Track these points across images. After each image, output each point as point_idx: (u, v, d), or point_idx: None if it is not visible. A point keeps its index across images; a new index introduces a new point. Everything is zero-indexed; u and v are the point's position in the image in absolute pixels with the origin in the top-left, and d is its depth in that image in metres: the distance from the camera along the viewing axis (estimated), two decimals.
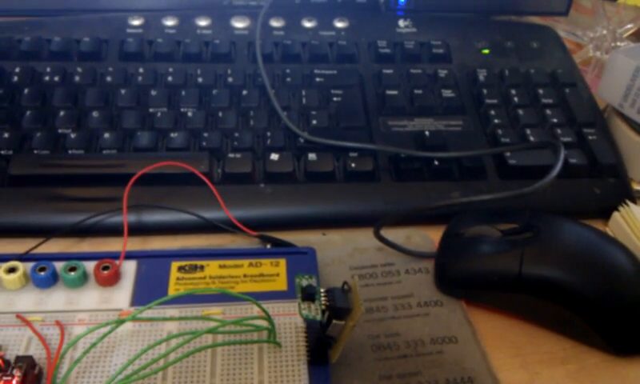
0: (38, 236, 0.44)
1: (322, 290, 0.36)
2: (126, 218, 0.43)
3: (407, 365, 0.39)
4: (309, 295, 0.36)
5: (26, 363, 0.33)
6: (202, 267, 0.42)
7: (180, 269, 0.42)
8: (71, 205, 0.46)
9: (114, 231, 0.45)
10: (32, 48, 0.56)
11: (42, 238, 0.44)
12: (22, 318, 0.38)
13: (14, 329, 0.37)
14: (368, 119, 0.54)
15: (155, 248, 0.45)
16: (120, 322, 0.35)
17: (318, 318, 0.35)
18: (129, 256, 0.42)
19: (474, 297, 0.43)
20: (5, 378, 0.32)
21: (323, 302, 0.35)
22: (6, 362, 0.33)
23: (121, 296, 0.40)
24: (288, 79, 0.56)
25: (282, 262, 0.42)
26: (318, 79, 0.56)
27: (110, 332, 0.36)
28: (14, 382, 0.32)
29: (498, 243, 0.42)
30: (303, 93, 0.55)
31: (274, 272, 0.42)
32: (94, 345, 0.35)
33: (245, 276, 0.42)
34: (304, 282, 0.37)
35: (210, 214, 0.46)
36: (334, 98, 0.55)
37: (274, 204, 0.48)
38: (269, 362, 0.36)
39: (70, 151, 0.49)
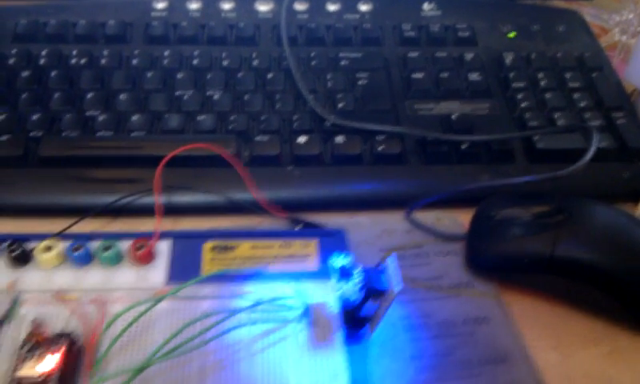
0: (70, 216, 0.44)
1: (356, 271, 0.36)
2: (159, 199, 0.43)
3: (440, 345, 0.39)
4: (344, 275, 0.36)
5: (68, 340, 0.33)
6: (233, 248, 0.42)
7: (213, 249, 0.42)
8: (101, 186, 0.46)
9: (145, 212, 0.45)
10: (58, 31, 0.57)
11: (75, 218, 0.44)
12: (60, 296, 0.38)
13: (52, 306, 0.38)
14: (394, 102, 0.54)
15: (186, 228, 0.45)
16: (158, 299, 0.36)
17: (354, 298, 0.35)
18: (162, 236, 0.42)
19: (505, 278, 0.43)
20: (48, 355, 0.32)
21: (358, 283, 0.35)
22: (48, 339, 0.33)
23: (156, 274, 0.40)
24: (313, 62, 0.56)
25: (313, 242, 0.43)
26: (343, 62, 0.56)
27: (147, 310, 0.36)
28: (57, 358, 0.32)
29: (530, 225, 0.42)
30: (328, 76, 0.55)
31: (306, 253, 0.42)
32: (132, 322, 0.35)
33: (276, 256, 0.42)
34: (339, 262, 0.37)
35: (238, 196, 0.46)
36: (360, 81, 0.55)
37: (301, 186, 0.48)
38: (304, 342, 0.36)
39: (98, 133, 0.49)
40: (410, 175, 0.49)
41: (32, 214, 0.46)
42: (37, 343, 0.33)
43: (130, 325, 0.35)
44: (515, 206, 0.44)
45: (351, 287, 0.36)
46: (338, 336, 0.37)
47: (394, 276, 0.34)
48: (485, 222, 0.44)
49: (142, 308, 0.36)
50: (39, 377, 0.31)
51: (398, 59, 0.58)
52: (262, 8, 0.61)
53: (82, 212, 0.45)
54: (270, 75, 0.54)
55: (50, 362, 0.32)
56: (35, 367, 0.32)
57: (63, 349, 0.32)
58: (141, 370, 0.32)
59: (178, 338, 0.35)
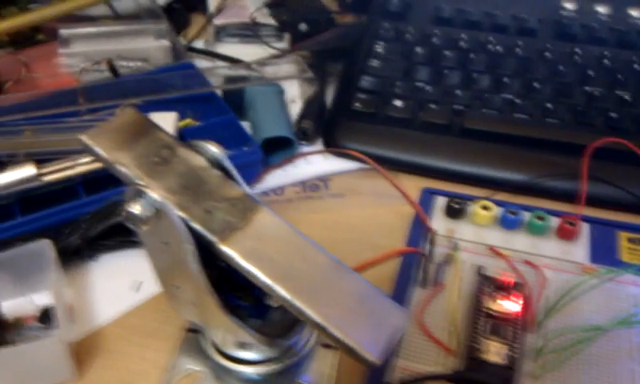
0: (480, 185, 0.51)
1: None
2: (585, 185, 0.46)
3: None
4: None
5: (522, 291, 0.38)
6: None
7: (630, 240, 0.44)
8: (517, 164, 0.51)
9: (554, 194, 0.49)
10: (477, 19, 0.62)
11: (485, 189, 0.50)
12: (495, 251, 0.43)
13: (487, 258, 0.43)
14: None
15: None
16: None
17: None
18: (582, 219, 0.45)
19: None
20: (508, 298, 0.37)
21: None
22: (506, 285, 0.38)
23: (579, 251, 0.44)
24: None
25: None
26: None
27: (578, 284, 0.39)
28: (520, 302, 0.37)
29: None
30: None
31: None
32: (570, 290, 0.39)
33: None
34: None
35: None
36: None
37: None
38: None
39: (515, 115, 0.53)
40: None
41: (447, 178, 0.52)
42: (497, 285, 0.38)
43: (568, 293, 0.38)
44: None
45: None
46: None
47: None
48: None
49: (573, 278, 0.39)
50: (508, 314, 0.36)
51: None
52: None
53: (494, 183, 0.50)
54: None
55: (514, 305, 0.37)
56: (504, 305, 0.37)
57: (522, 297, 0.37)
58: (599, 328, 0.36)
59: (607, 313, 0.38)
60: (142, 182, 0.29)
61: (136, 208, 0.28)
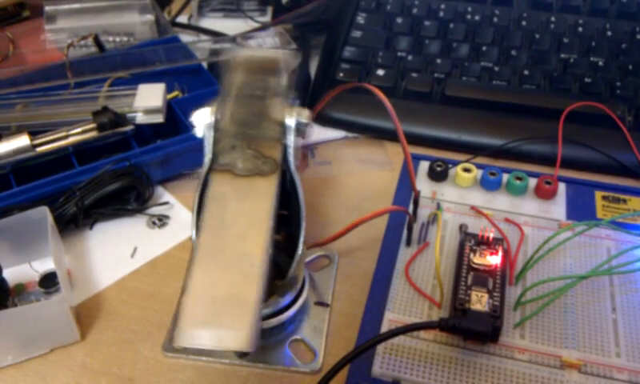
0: (461, 151, 0.53)
1: None
2: (560, 147, 0.49)
3: None
4: None
5: (501, 245, 0.40)
6: (624, 201, 0.46)
7: (604, 198, 0.46)
8: (496, 129, 0.53)
9: (530, 157, 0.51)
10: None
11: (464, 153, 0.52)
12: (477, 210, 0.45)
13: (470, 217, 0.45)
14: None
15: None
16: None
17: None
18: (559, 179, 0.47)
19: None
20: (489, 252, 0.39)
21: None
22: (488, 240, 0.40)
23: (557, 209, 0.46)
24: None
25: None
26: None
27: (553, 236, 0.41)
28: (500, 255, 0.39)
29: None
30: None
31: None
32: (547, 241, 0.41)
33: None
34: None
35: (620, 157, 0.50)
36: None
37: None
38: None
39: (493, 82, 0.55)
40: None
41: (430, 144, 0.54)
42: (478, 241, 0.40)
43: (543, 245, 0.40)
44: None
45: None
46: None
47: None
48: None
49: (550, 234, 0.41)
50: (489, 266, 0.38)
51: None
52: None
53: (475, 148, 0.52)
54: None
55: (494, 258, 0.39)
56: (485, 258, 0.39)
57: (501, 251, 0.39)
58: (584, 277, 0.38)
59: (584, 264, 0.40)
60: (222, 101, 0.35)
61: (195, 116, 0.35)
